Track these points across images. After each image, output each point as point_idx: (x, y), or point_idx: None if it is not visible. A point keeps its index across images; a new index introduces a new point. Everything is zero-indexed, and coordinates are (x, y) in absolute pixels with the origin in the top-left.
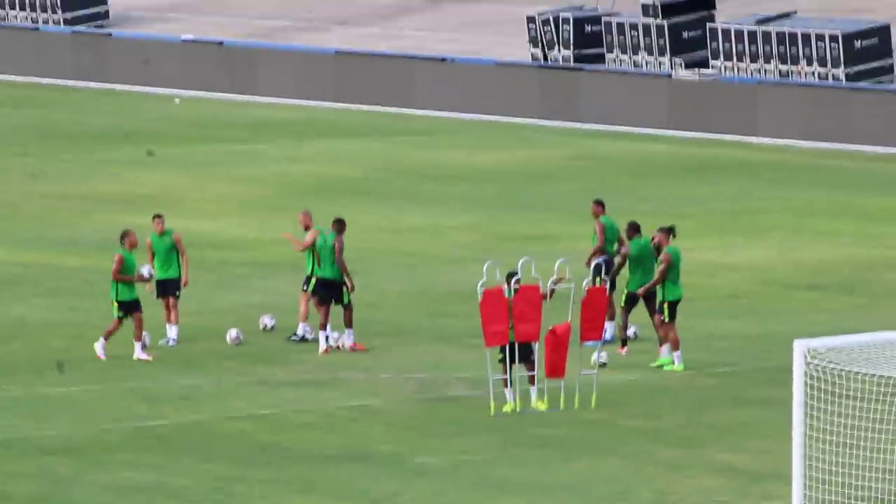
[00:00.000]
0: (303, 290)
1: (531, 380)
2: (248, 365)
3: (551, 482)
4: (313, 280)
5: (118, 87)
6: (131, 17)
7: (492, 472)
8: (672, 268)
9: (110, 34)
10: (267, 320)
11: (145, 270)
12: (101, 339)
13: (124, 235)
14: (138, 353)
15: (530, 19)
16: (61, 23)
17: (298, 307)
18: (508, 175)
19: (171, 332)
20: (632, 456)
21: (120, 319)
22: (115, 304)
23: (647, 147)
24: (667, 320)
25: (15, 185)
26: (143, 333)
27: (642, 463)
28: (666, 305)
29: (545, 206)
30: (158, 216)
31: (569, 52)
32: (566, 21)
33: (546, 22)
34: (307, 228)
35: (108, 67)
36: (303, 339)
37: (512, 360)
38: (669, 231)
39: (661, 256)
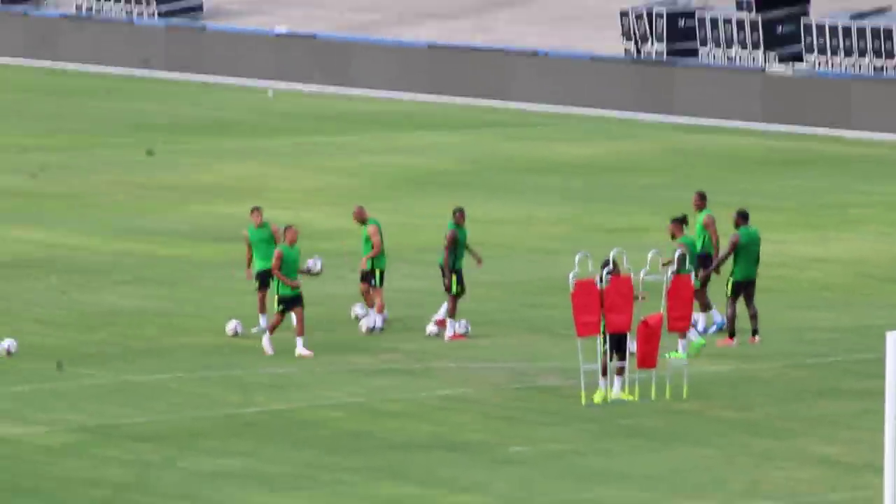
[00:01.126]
0: (379, 286)
1: (619, 370)
2: (339, 354)
3: (642, 472)
4: (378, 272)
5: (212, 79)
6: (225, 9)
7: (582, 462)
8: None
9: (205, 27)
10: (358, 310)
11: (311, 263)
12: (267, 334)
13: (285, 230)
14: (300, 350)
15: (624, 13)
16: (156, 15)
17: (374, 299)
18: (601, 168)
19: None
20: (723, 447)
21: (281, 314)
22: (276, 299)
23: (740, 141)
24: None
25: (108, 175)
26: (236, 323)
27: (734, 454)
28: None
29: (637, 199)
30: (257, 208)
31: (662, 47)
32: (660, 15)
33: (640, 16)
34: (363, 222)
35: (203, 60)
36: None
37: (610, 350)
38: (681, 221)
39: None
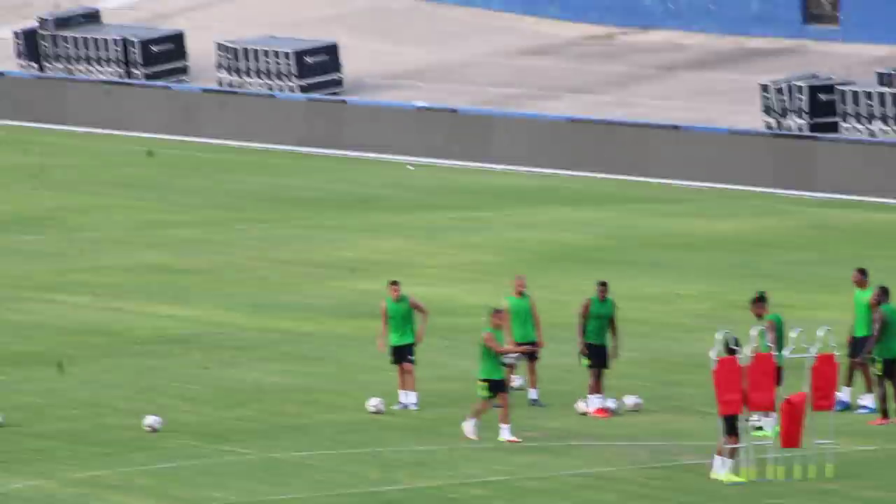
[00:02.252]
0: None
1: (733, 452)
2: (481, 430)
3: None
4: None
5: (352, 153)
6: (365, 84)
7: None
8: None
9: (345, 101)
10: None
11: (511, 358)
12: (472, 420)
13: (493, 314)
14: (505, 435)
15: (764, 87)
16: (297, 90)
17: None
18: (742, 243)
19: (411, 397)
20: None
21: (488, 399)
22: (482, 383)
23: (884, 216)
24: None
25: (251, 251)
26: (378, 400)
27: None
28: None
29: (780, 275)
30: (394, 283)
31: (803, 121)
32: (800, 89)
33: (780, 90)
34: (521, 294)
35: (343, 134)
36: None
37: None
38: (762, 300)
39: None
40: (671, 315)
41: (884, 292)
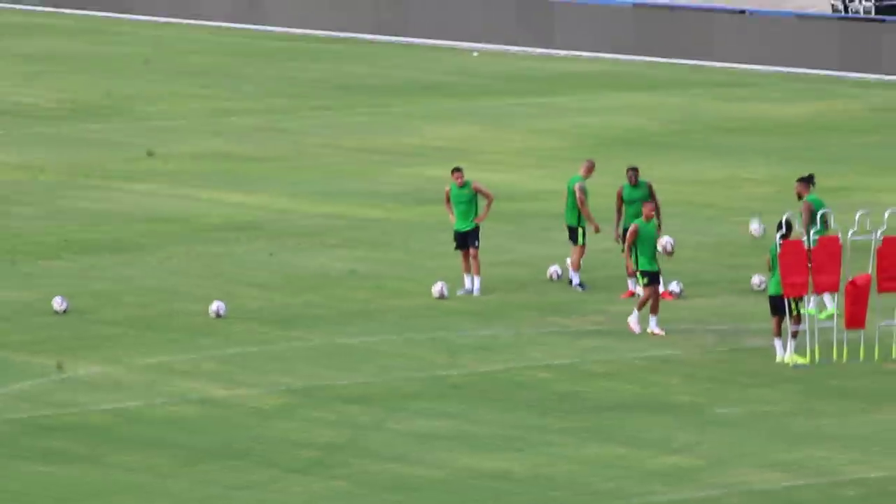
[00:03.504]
0: (582, 245)
1: (795, 334)
2: (545, 315)
3: (851, 433)
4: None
5: (417, 40)
6: None
7: (790, 423)
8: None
9: None
10: (554, 270)
11: (665, 242)
12: (635, 312)
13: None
14: (653, 328)
15: None
16: None
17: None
18: (807, 127)
19: (475, 282)
20: None
21: (646, 286)
22: (640, 274)
23: None
24: None
25: (316, 139)
26: (441, 285)
27: None
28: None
29: (844, 158)
30: (458, 169)
31: (870, 4)
32: None
33: None
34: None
35: (408, 21)
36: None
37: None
38: (807, 180)
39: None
40: (735, 199)
41: None
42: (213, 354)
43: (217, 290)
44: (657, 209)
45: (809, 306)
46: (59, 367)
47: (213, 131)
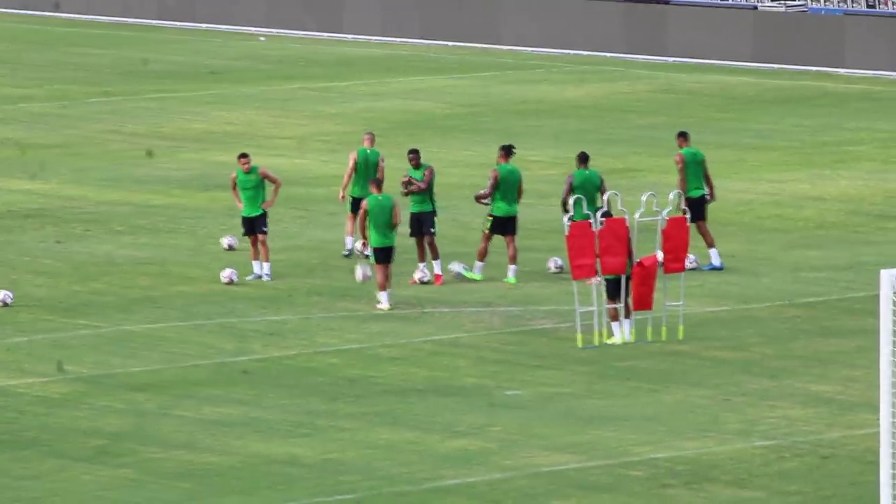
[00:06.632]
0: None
1: (616, 314)
2: (334, 300)
3: (639, 414)
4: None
5: (203, 25)
6: None
7: (579, 405)
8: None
9: None
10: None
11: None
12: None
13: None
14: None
15: None
16: None
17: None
18: (594, 109)
19: (264, 268)
20: (720, 387)
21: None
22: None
23: (733, 79)
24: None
25: (101, 125)
26: (230, 271)
27: (730, 394)
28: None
29: (630, 140)
30: (244, 155)
31: None
32: None
33: None
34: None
35: (196, 7)
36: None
37: (610, 294)
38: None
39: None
40: (525, 181)
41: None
42: None
43: (2, 278)
44: (430, 188)
45: (475, 272)
46: (59, 366)
47: None
